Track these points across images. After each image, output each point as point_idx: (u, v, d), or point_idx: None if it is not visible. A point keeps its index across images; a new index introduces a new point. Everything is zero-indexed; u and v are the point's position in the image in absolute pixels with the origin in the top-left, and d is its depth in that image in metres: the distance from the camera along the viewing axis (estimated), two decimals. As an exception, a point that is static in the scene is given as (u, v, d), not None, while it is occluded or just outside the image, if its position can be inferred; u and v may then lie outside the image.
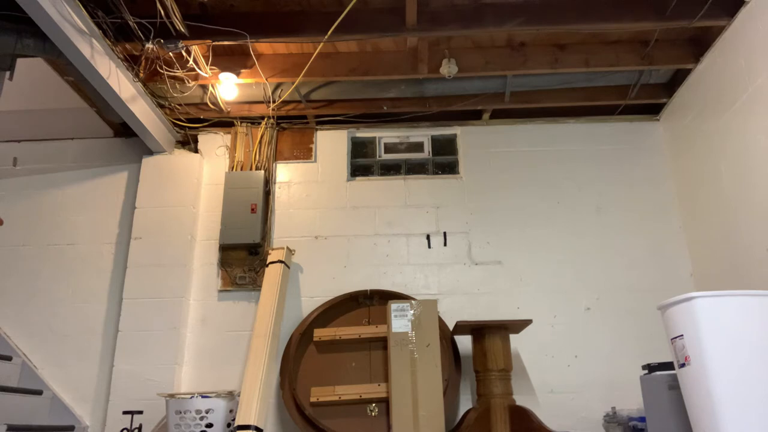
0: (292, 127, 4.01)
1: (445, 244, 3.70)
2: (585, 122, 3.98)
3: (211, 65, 3.36)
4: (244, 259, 3.66)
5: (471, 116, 4.00)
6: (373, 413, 3.17)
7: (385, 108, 3.79)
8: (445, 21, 3.07)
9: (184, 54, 3.20)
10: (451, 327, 3.42)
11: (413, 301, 3.07)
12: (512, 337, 3.46)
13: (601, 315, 3.53)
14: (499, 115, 3.98)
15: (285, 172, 3.90)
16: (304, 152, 3.95)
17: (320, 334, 3.34)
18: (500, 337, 3.07)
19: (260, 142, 3.91)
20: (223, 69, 3.38)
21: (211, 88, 3.63)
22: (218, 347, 3.49)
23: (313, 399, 3.16)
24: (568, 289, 3.59)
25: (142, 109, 3.41)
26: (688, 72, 3.54)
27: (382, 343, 3.34)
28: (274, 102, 3.75)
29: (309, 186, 3.86)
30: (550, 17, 3.08)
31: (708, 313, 2.10)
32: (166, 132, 3.78)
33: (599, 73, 3.64)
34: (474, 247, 3.69)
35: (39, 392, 3.26)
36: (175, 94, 3.57)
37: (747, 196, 3.02)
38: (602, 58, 3.43)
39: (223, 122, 3.95)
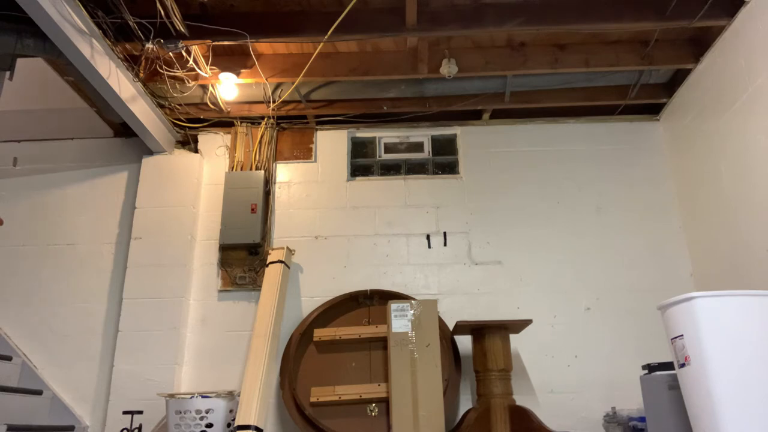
0: (292, 127, 4.01)
1: (445, 244, 3.70)
2: (585, 122, 3.98)
3: (211, 65, 3.36)
4: (244, 259, 3.66)
5: (471, 116, 4.00)
6: (373, 413, 3.17)
7: (385, 108, 3.79)
8: (445, 21, 3.07)
9: (184, 54, 3.20)
10: (451, 327, 3.42)
11: (413, 301, 3.07)
12: (512, 337, 3.46)
13: (601, 315, 3.53)
14: (499, 115, 3.98)
15: (285, 172, 3.90)
16: (304, 152, 3.95)
17: (320, 334, 3.34)
18: (500, 337, 3.07)
19: (260, 142, 3.91)
20: (223, 69, 3.38)
21: (211, 88, 3.63)
22: (218, 347, 3.49)
23: (313, 399, 3.16)
24: (568, 289, 3.59)
25: (142, 109, 3.41)
26: (688, 72, 3.54)
27: (382, 343, 3.34)
28: (274, 102, 3.75)
29: (309, 186, 3.86)
30: (550, 17, 3.08)
31: (708, 313, 2.10)
32: (166, 132, 3.78)
33: (599, 73, 3.64)
34: (474, 247, 3.69)
35: (39, 392, 3.26)
36: (175, 94, 3.57)
37: (747, 196, 3.02)
38: (602, 58, 3.43)
39: (223, 122, 3.95)
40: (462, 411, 3.35)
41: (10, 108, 3.72)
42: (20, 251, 3.74)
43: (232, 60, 3.42)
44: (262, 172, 3.76)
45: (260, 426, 2.76)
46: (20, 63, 3.27)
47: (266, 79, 3.41)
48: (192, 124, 3.88)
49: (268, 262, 3.48)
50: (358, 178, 3.89)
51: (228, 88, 3.54)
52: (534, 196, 3.80)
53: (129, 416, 3.22)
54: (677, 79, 3.68)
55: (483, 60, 3.44)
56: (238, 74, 3.40)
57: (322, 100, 3.78)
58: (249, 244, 3.64)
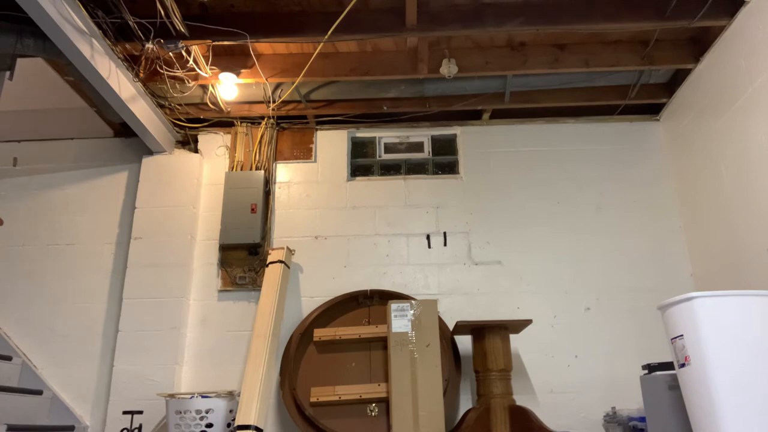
0: (292, 127, 4.01)
1: (445, 244, 3.70)
2: (585, 122, 3.98)
3: (211, 65, 3.36)
4: (244, 259, 3.66)
5: (471, 116, 4.00)
6: (373, 413, 3.17)
7: (385, 108, 3.79)
8: (445, 21, 3.07)
9: (184, 54, 3.20)
10: (451, 327, 3.42)
11: (413, 301, 3.07)
12: (512, 337, 3.46)
13: (601, 315, 3.53)
14: (499, 115, 3.99)
15: (285, 172, 3.91)
16: (304, 152, 3.95)
17: (320, 334, 3.34)
18: (500, 337, 3.07)
19: (260, 142, 3.91)
20: (223, 69, 3.38)
21: (211, 88, 3.63)
22: (218, 347, 3.49)
23: (313, 399, 3.16)
24: (568, 289, 3.59)
25: (142, 109, 3.41)
26: (688, 72, 3.54)
27: (382, 343, 3.34)
28: (274, 102, 3.75)
29: (309, 186, 3.86)
30: (550, 17, 3.08)
31: (708, 313, 2.10)
32: (166, 132, 3.78)
33: (599, 73, 3.64)
34: (474, 247, 3.69)
35: (39, 392, 3.26)
36: (175, 94, 3.57)
37: (747, 196, 3.02)
38: (602, 58, 3.43)
39: (223, 122, 3.95)
40: (462, 411, 3.35)
41: (10, 108, 3.72)
42: (20, 251, 3.74)
43: (232, 60, 3.42)
44: (262, 172, 3.76)
45: (260, 426, 2.76)
46: (20, 63, 3.27)
47: (266, 79, 3.41)
48: (192, 124, 3.88)
49: (268, 262, 3.48)
50: (358, 178, 3.89)
51: (228, 88, 3.53)
52: (534, 196, 3.80)
53: (129, 416, 3.22)
54: (677, 79, 3.68)
55: (483, 60, 3.44)
56: (238, 74, 3.40)
57: (322, 100, 3.78)
58: (249, 244, 3.64)
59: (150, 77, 3.40)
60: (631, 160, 3.87)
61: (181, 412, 2.87)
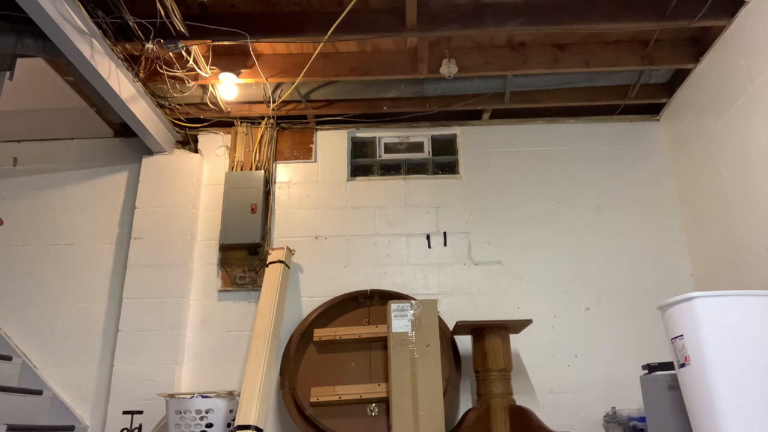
0: (292, 127, 4.01)
1: (445, 244, 3.70)
2: (585, 122, 3.98)
3: (211, 65, 3.36)
4: (244, 259, 3.66)
5: (471, 116, 4.00)
6: (373, 413, 3.17)
7: (385, 108, 3.79)
8: (445, 21, 3.07)
9: (184, 54, 3.20)
10: (451, 327, 3.42)
11: (413, 301, 3.07)
12: (512, 337, 3.46)
13: (601, 315, 3.53)
14: (499, 115, 3.99)
15: (285, 172, 3.91)
16: (304, 152, 3.95)
17: (320, 334, 3.34)
18: (500, 337, 3.07)
19: (260, 142, 3.91)
20: (223, 69, 3.38)
21: (211, 88, 3.63)
22: (218, 347, 3.49)
23: (313, 399, 3.16)
24: (568, 289, 3.59)
25: (142, 109, 3.41)
26: (688, 72, 3.54)
27: (382, 343, 3.34)
28: (274, 102, 3.75)
29: (309, 186, 3.86)
30: (550, 17, 3.08)
31: (708, 313, 2.10)
32: (166, 132, 3.78)
33: (599, 73, 3.64)
34: (474, 247, 3.69)
35: (39, 392, 3.26)
36: (175, 94, 3.57)
37: (747, 196, 3.02)
38: (602, 58, 3.43)
39: (223, 122, 3.95)
40: (462, 411, 3.35)
41: (10, 108, 3.72)
42: (20, 251, 3.74)
43: (232, 60, 3.42)
44: (262, 172, 3.76)
45: (260, 426, 2.76)
46: (20, 63, 3.27)
47: (266, 79, 3.41)
48: (192, 124, 3.88)
49: (268, 262, 3.48)
50: (358, 178, 3.89)
51: (228, 88, 3.53)
52: (534, 196, 3.80)
53: (129, 416, 3.23)
54: (677, 79, 3.68)
55: (483, 60, 3.44)
56: (238, 74, 3.40)
57: (322, 100, 3.78)
58: (249, 244, 3.64)
59: (150, 77, 3.40)
60: (631, 160, 3.87)
61: (181, 412, 2.87)
